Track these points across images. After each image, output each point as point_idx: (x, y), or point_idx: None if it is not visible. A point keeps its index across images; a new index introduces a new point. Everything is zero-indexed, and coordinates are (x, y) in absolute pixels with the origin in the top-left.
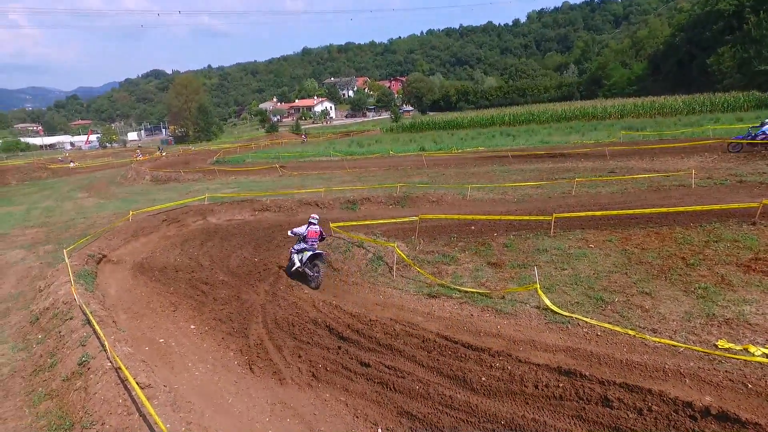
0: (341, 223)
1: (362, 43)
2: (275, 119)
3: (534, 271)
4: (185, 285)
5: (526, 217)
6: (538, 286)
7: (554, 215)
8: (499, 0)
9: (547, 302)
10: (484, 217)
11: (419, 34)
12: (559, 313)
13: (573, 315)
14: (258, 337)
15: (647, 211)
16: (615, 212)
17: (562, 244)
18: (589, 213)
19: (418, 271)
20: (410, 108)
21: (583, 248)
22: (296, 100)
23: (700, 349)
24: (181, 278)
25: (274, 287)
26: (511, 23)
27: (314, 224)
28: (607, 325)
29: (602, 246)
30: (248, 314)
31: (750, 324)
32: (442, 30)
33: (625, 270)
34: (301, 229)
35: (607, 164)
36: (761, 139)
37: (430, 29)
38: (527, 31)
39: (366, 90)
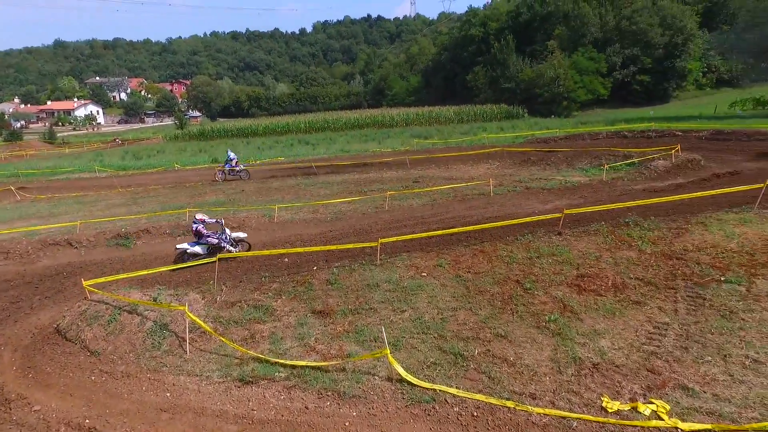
0: (101, 279)
1: (135, 40)
2: (18, 125)
3: (372, 318)
4: None
5: (350, 246)
6: (388, 351)
7: (380, 240)
8: (284, 8)
9: (402, 372)
10: (299, 249)
11: (202, 36)
12: (418, 386)
13: (436, 387)
14: None
15: (469, 228)
16: (440, 232)
17: (392, 275)
18: (415, 236)
19: (223, 341)
20: (198, 114)
21: (416, 278)
22: (49, 102)
23: (594, 418)
24: None
25: None
26: (298, 32)
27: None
28: (479, 396)
29: (435, 273)
30: None
31: (617, 366)
32: (228, 33)
33: (468, 304)
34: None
35: (410, 173)
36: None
37: (214, 31)
38: (314, 41)
39: (143, 93)
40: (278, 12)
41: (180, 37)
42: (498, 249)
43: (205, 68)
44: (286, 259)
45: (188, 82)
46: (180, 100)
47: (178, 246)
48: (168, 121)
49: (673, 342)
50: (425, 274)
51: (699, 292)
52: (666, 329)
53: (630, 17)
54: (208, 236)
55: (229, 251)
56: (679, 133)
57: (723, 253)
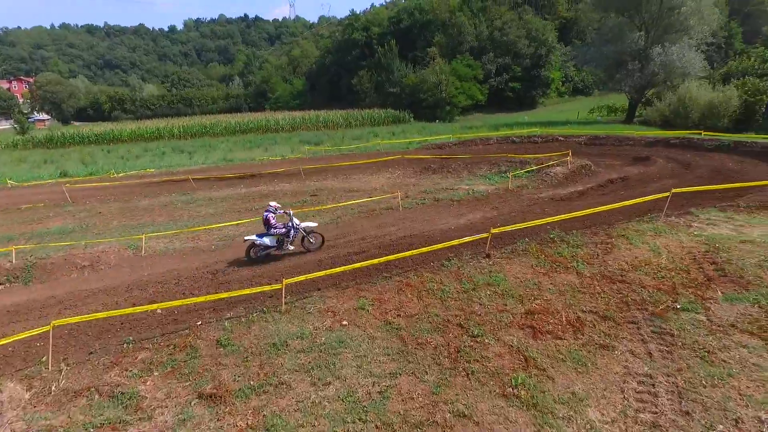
0: None
1: None
2: None
3: (285, 400)
4: None
5: (245, 291)
6: None
7: (285, 281)
8: (148, 1)
9: None
10: (174, 303)
11: (49, 27)
12: None
13: None
14: None
15: (390, 258)
16: (357, 265)
17: (304, 327)
18: (326, 272)
19: None
20: (46, 117)
21: (335, 329)
22: None
23: None
24: None
25: None
26: (167, 29)
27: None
28: None
29: (357, 319)
30: None
31: None
32: (82, 26)
33: (409, 364)
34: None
35: (306, 185)
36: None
37: (64, 23)
38: (186, 39)
39: None
40: (143, 6)
41: (19, 27)
42: (425, 280)
43: (54, 65)
44: (159, 311)
45: (32, 80)
46: (22, 100)
47: (246, 237)
48: (5, 125)
49: (669, 404)
50: (346, 323)
51: (662, 326)
52: (653, 384)
53: (501, 28)
54: (276, 227)
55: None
56: (561, 139)
57: (660, 271)
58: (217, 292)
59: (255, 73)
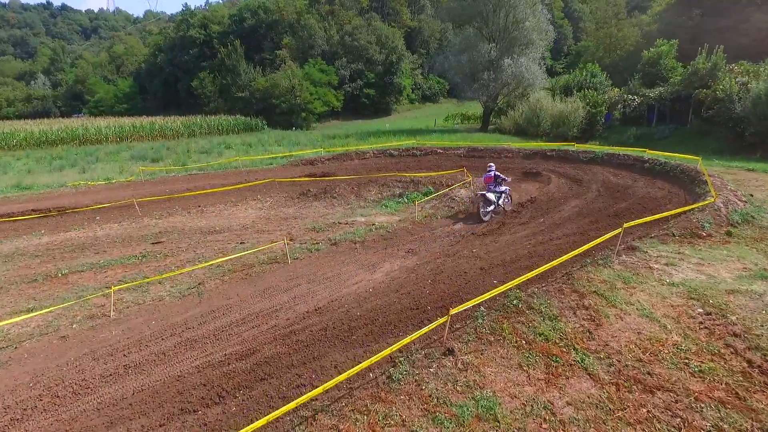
0: None
1: None
2: None
3: None
4: None
5: None
6: None
7: None
8: None
9: None
10: None
11: None
12: None
13: None
14: None
15: (309, 395)
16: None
17: None
18: None
19: None
20: None
21: None
22: None
23: None
24: None
25: None
26: None
27: (489, 172)
28: None
29: None
30: None
31: None
32: None
33: None
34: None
35: (144, 226)
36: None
37: None
38: None
39: None
40: None
41: None
42: (377, 418)
43: None
44: None
45: None
46: None
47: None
48: None
49: None
50: None
51: None
52: None
53: (351, 33)
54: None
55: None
56: (440, 151)
57: (690, 360)
58: None
59: (66, 71)
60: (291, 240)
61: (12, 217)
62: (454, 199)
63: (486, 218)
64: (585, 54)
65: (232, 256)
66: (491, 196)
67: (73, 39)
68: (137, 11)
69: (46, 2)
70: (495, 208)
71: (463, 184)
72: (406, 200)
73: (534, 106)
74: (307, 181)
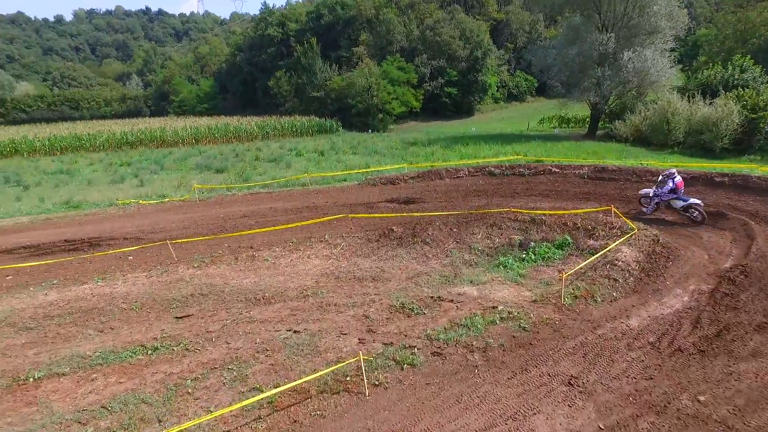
0: None
1: None
2: None
3: None
4: None
5: None
6: None
7: None
8: None
9: None
10: None
11: None
12: None
13: None
14: None
15: None
16: None
17: None
18: None
19: None
20: None
21: None
22: None
23: None
24: None
25: None
26: (52, 19)
27: (677, 176)
28: None
29: None
30: None
31: None
32: None
33: None
34: (667, 186)
35: (178, 278)
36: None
37: None
38: (76, 32)
39: None
40: None
41: None
42: None
43: None
44: None
45: None
46: None
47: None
48: None
49: None
50: None
51: None
52: None
53: (433, 27)
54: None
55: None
56: (556, 170)
57: None
58: None
59: (157, 72)
60: (368, 329)
61: (40, 248)
62: (616, 265)
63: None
64: (708, 43)
65: (275, 391)
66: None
67: (167, 41)
68: (224, 13)
69: (145, 8)
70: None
71: (627, 238)
72: (533, 256)
73: (663, 109)
74: (388, 216)
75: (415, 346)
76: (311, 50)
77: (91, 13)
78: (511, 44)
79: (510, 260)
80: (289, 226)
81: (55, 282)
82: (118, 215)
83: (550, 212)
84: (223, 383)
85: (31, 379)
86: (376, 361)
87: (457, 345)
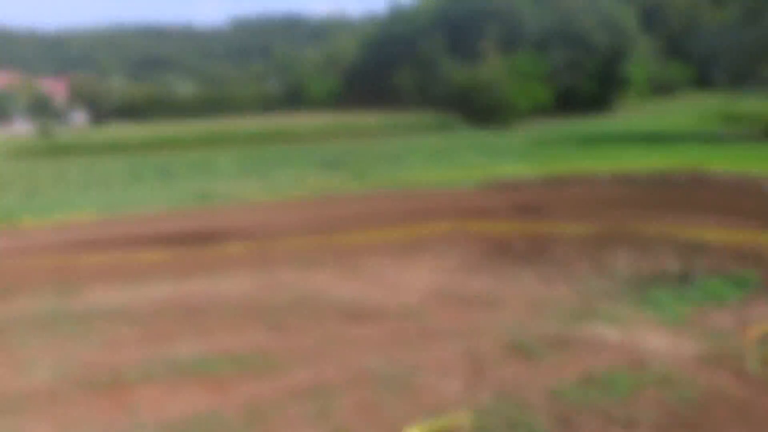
0: None
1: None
2: None
3: None
4: None
5: None
6: None
7: None
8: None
9: None
10: None
11: (106, 26)
12: None
13: None
14: None
15: None
16: None
17: None
18: None
19: None
20: (81, 117)
21: None
22: None
23: None
24: None
25: None
26: (214, 27)
27: None
28: None
29: None
30: None
31: None
32: (133, 25)
33: None
34: None
35: (279, 283)
36: None
37: (118, 22)
38: (231, 38)
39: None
40: (191, 4)
41: (75, 28)
42: None
43: (100, 64)
44: None
45: (68, 79)
46: (61, 99)
47: None
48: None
49: None
50: None
51: None
52: None
53: (569, 15)
54: None
55: None
56: (724, 180)
57: None
58: None
59: (291, 71)
60: (473, 403)
61: (161, 239)
62: None
63: None
64: None
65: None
66: None
67: (303, 42)
68: (357, 12)
69: (287, 12)
70: None
71: None
72: (698, 294)
73: None
74: (509, 226)
75: (534, 405)
76: (436, 46)
77: (242, 20)
78: (664, 31)
79: (664, 296)
80: (398, 231)
81: (169, 275)
82: (237, 210)
83: (719, 240)
84: (305, 416)
85: (127, 382)
86: (485, 418)
87: (592, 412)
